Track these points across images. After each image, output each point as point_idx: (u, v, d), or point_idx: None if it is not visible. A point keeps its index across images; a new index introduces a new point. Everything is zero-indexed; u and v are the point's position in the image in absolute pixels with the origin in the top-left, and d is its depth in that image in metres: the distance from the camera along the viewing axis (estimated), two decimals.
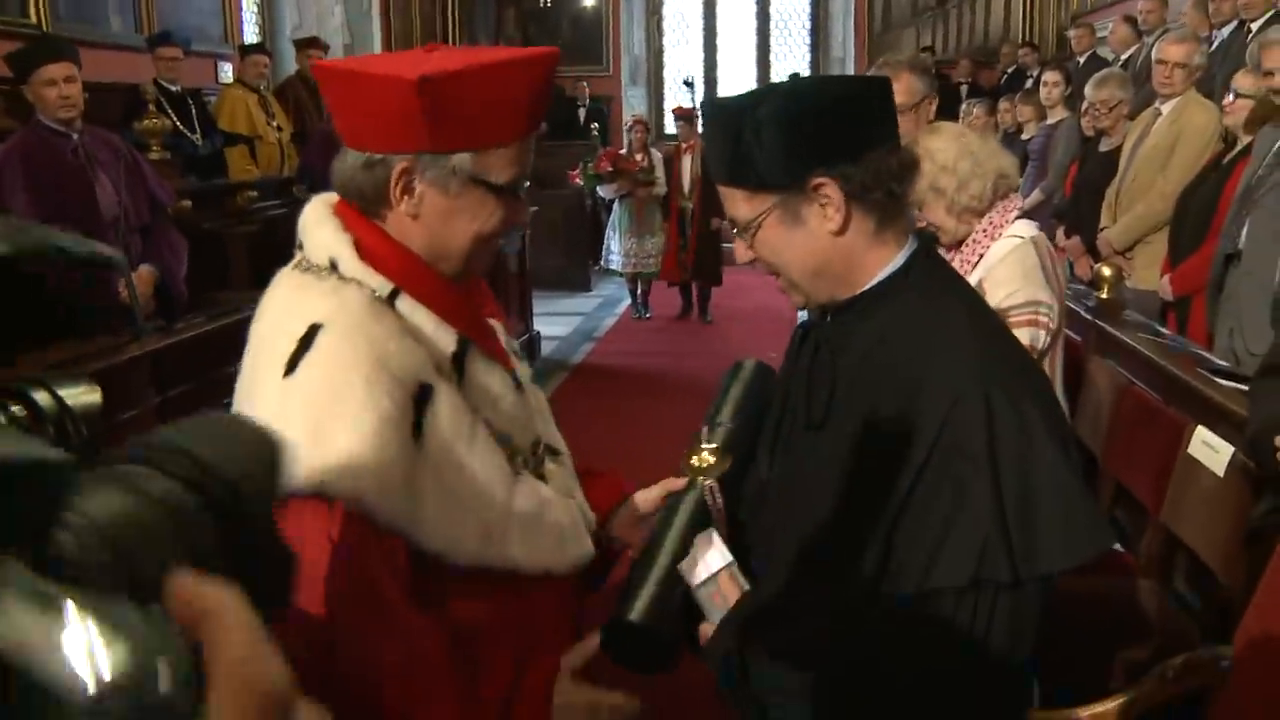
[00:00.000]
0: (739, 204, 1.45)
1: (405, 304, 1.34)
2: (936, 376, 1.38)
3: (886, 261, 1.47)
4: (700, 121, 1.57)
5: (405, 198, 1.35)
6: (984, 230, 2.63)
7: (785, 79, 1.58)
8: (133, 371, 3.05)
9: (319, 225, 1.39)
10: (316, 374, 1.26)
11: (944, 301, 1.48)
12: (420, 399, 1.30)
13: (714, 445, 1.64)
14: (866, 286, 1.48)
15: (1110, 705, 1.95)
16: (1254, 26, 5.55)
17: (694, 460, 1.64)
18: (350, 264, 1.34)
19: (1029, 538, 1.35)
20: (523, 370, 1.57)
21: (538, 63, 1.38)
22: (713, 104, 1.51)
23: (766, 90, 1.54)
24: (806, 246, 1.44)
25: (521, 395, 1.50)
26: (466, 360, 1.39)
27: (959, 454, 1.35)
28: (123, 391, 2.99)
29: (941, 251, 2.70)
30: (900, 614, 1.39)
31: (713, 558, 1.49)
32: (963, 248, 2.64)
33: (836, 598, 1.42)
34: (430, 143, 1.32)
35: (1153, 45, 5.50)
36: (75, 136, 4.12)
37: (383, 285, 1.33)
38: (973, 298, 1.59)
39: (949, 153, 2.60)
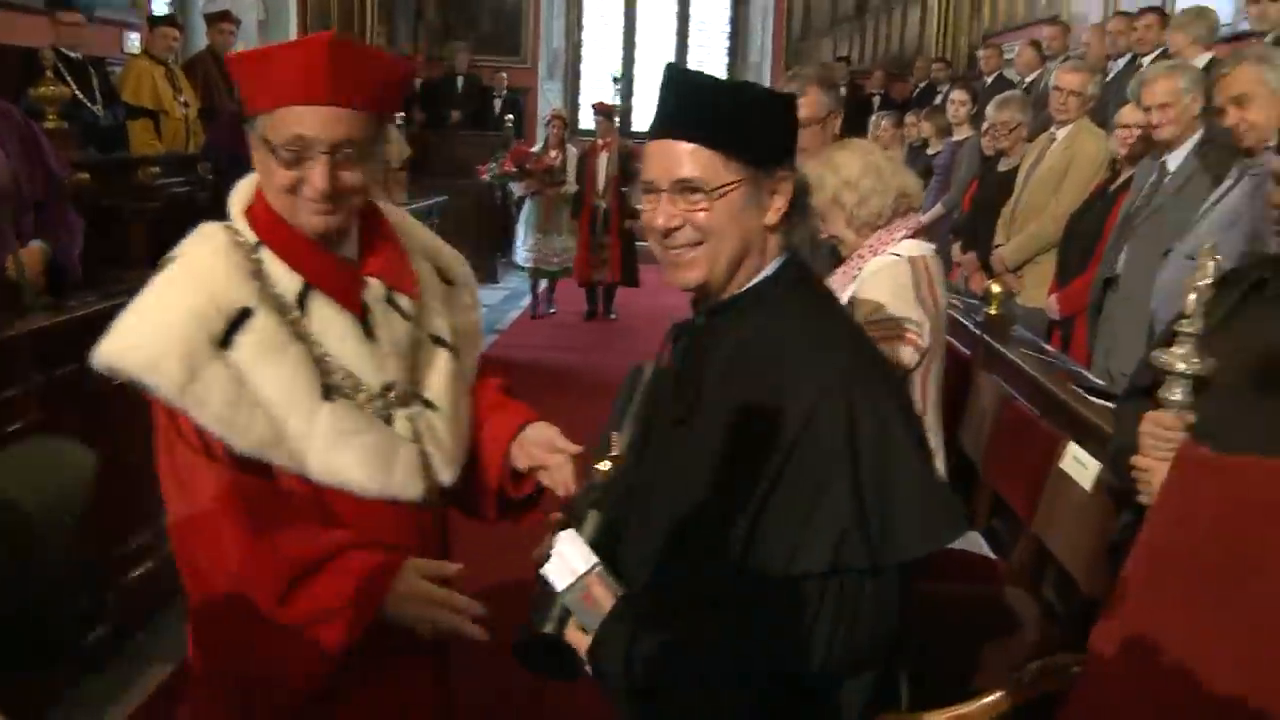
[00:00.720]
0: (710, 165, 1.49)
1: (265, 252, 1.66)
2: (801, 376, 1.46)
3: (766, 265, 1.56)
4: (668, 82, 1.57)
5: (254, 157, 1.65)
6: (869, 246, 2.67)
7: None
8: (15, 350, 2.96)
9: (240, 186, 1.73)
10: (149, 289, 1.64)
11: (810, 308, 1.57)
12: (236, 319, 1.60)
13: (617, 454, 1.65)
14: (744, 286, 1.56)
15: (966, 709, 2.03)
16: (1145, 61, 5.79)
17: (599, 465, 1.66)
18: (234, 217, 1.69)
19: (887, 527, 1.44)
20: (404, 327, 1.76)
21: (313, 42, 1.62)
22: (686, 69, 1.61)
23: (737, 79, 1.66)
24: (747, 227, 1.52)
25: (371, 341, 1.71)
26: (308, 300, 1.66)
27: (820, 449, 1.42)
28: (3, 370, 2.92)
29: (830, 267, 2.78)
30: (765, 600, 1.45)
31: (576, 561, 1.50)
32: (847, 262, 2.69)
33: (706, 589, 1.47)
34: (248, 107, 1.64)
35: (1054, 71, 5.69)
36: None
37: (250, 236, 1.67)
38: (835, 305, 1.68)
39: (853, 168, 2.65)
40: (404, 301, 1.77)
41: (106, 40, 7.65)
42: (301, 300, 1.66)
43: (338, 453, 1.65)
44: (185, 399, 1.55)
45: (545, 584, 1.52)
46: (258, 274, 1.64)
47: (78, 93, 6.19)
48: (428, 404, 1.79)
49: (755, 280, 1.56)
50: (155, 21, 7.64)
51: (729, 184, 1.50)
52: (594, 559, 1.51)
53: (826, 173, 2.64)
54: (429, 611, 1.63)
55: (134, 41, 8.16)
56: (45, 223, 4.10)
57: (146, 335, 1.58)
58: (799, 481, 1.43)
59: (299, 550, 1.59)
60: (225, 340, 1.58)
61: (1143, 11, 6.19)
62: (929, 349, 2.65)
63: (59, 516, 0.64)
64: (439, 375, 1.82)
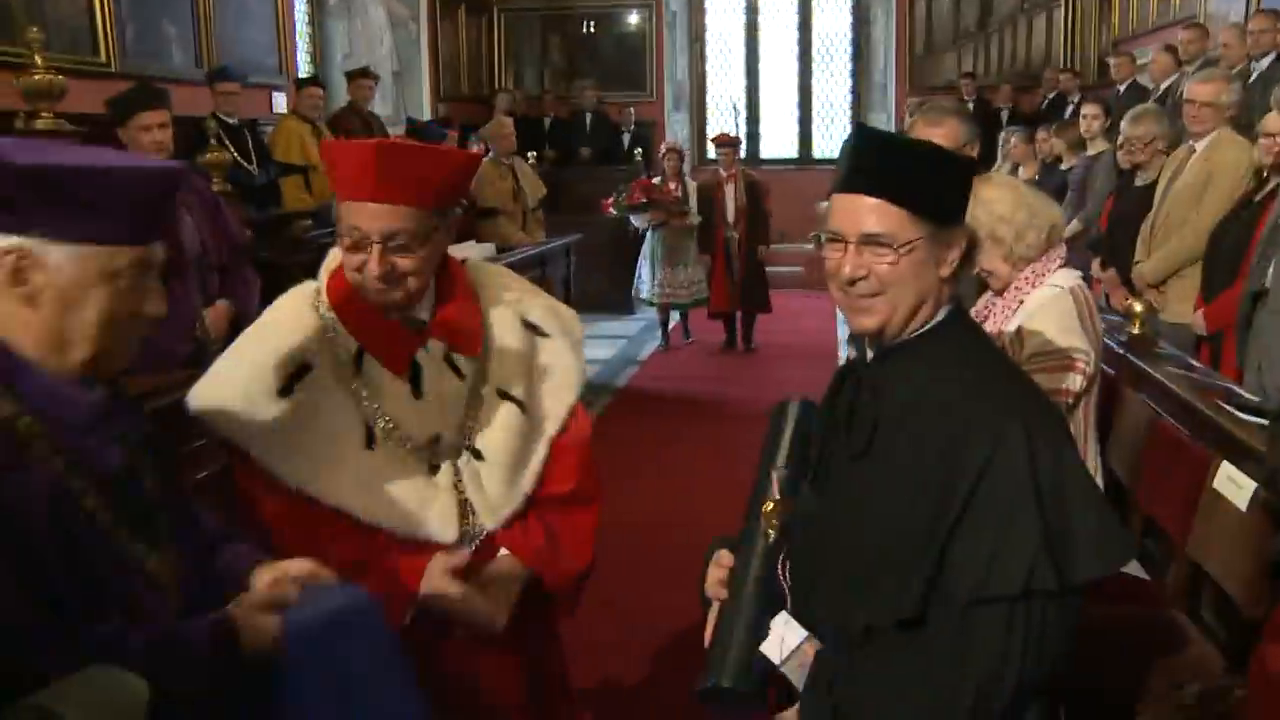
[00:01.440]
0: (898, 221, 1.58)
1: (331, 315, 1.94)
2: (979, 413, 1.55)
3: (937, 313, 1.65)
4: (856, 140, 1.67)
5: None
6: (1026, 278, 2.71)
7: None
8: None
9: (331, 253, 2.01)
10: (237, 340, 2.00)
11: (976, 350, 1.68)
12: (298, 371, 1.88)
13: (779, 493, 1.78)
14: (917, 331, 1.65)
15: None
16: None
17: (767, 507, 1.77)
18: (320, 281, 1.99)
19: (1069, 552, 1.52)
20: (457, 385, 2.00)
21: (365, 146, 1.86)
22: (873, 128, 1.75)
23: (924, 141, 1.82)
24: (925, 280, 1.61)
25: (419, 398, 1.96)
26: (363, 361, 1.94)
27: (1005, 482, 1.51)
28: (192, 423, 3.13)
29: (989, 296, 2.82)
30: (964, 626, 1.53)
31: (790, 636, 1.67)
32: (1005, 294, 2.73)
33: (894, 617, 1.56)
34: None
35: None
36: None
37: (326, 300, 1.96)
38: (994, 346, 1.78)
39: (1005, 203, 2.70)
40: (462, 361, 2.01)
41: (257, 103, 8.09)
42: (357, 360, 1.94)
43: (374, 495, 1.91)
44: (240, 436, 1.86)
45: (743, 648, 1.68)
46: (326, 333, 1.94)
47: (235, 156, 6.58)
48: (476, 454, 2.01)
49: (928, 326, 1.65)
50: (302, 84, 8.04)
51: (913, 240, 1.58)
52: (804, 631, 1.67)
53: (977, 209, 2.67)
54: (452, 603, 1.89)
55: (281, 102, 8.62)
56: (229, 283, 4.44)
57: (218, 383, 1.92)
58: (987, 512, 1.52)
59: (343, 553, 1.83)
60: (287, 389, 1.87)
61: None
62: (1093, 376, 2.67)
63: None
64: (496, 428, 2.03)
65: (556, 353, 2.13)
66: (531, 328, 2.10)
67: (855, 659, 1.62)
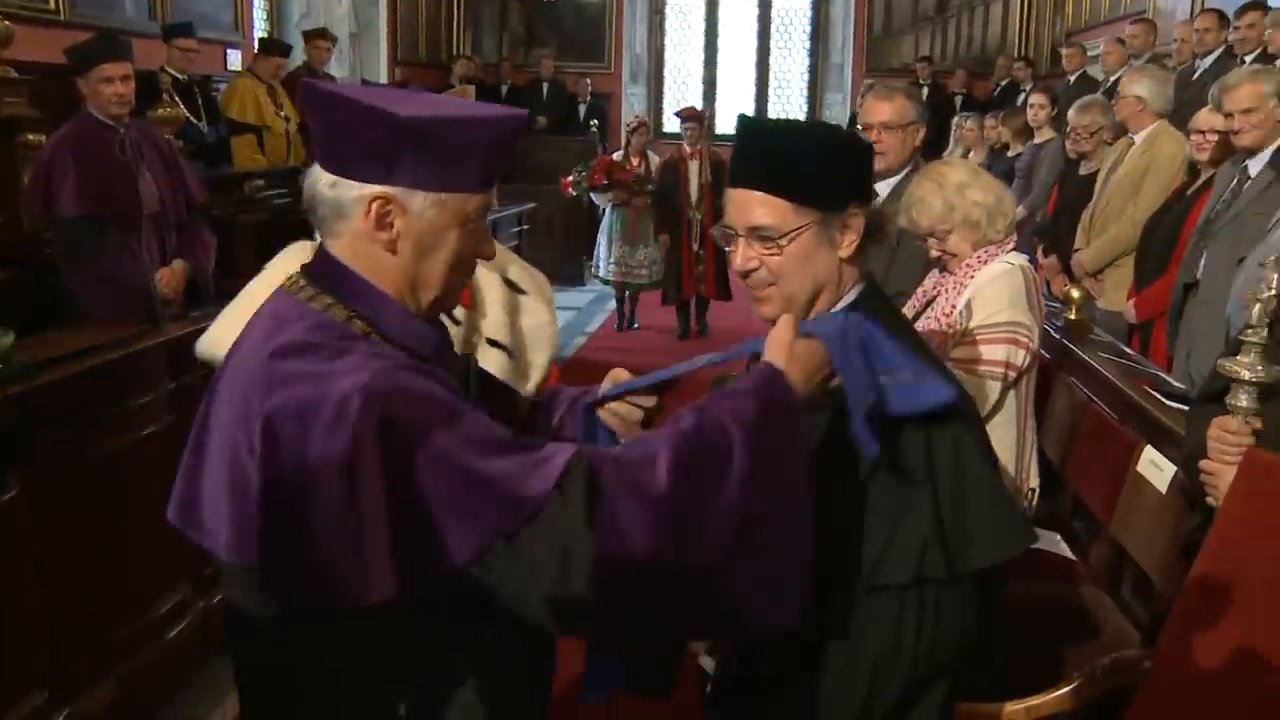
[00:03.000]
0: (780, 213, 1.61)
1: None
2: None
3: (845, 293, 1.70)
4: (741, 133, 1.68)
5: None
6: (979, 256, 2.75)
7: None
8: (150, 359, 3.19)
9: None
10: (240, 294, 2.13)
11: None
12: None
13: None
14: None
15: (1040, 700, 2.13)
16: (1246, 60, 5.69)
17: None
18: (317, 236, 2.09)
19: (961, 540, 1.58)
20: (453, 330, 2.01)
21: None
22: (758, 119, 1.72)
23: (809, 122, 1.80)
24: (820, 264, 1.64)
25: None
26: None
27: (900, 469, 1.56)
28: (139, 378, 3.15)
29: (937, 274, 2.87)
30: (851, 612, 1.59)
31: None
32: (957, 271, 2.77)
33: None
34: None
35: None
36: (122, 130, 4.25)
37: None
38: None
39: (978, 188, 2.73)
40: (457, 311, 2.09)
41: (211, 60, 7.98)
42: None
43: None
44: None
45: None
46: None
47: (184, 113, 6.50)
48: None
49: (836, 308, 1.68)
50: (267, 48, 7.88)
51: (798, 228, 1.61)
52: None
53: (952, 196, 2.72)
54: None
55: (235, 60, 8.50)
56: (185, 242, 4.41)
57: (225, 328, 2.02)
58: (884, 500, 1.58)
59: None
60: None
61: (1245, 9, 6.03)
62: (1035, 353, 2.73)
63: None
64: (488, 370, 2.08)
65: (534, 310, 2.23)
66: (510, 285, 2.18)
67: (772, 644, 1.68)
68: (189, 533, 1.42)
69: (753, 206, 1.62)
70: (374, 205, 1.38)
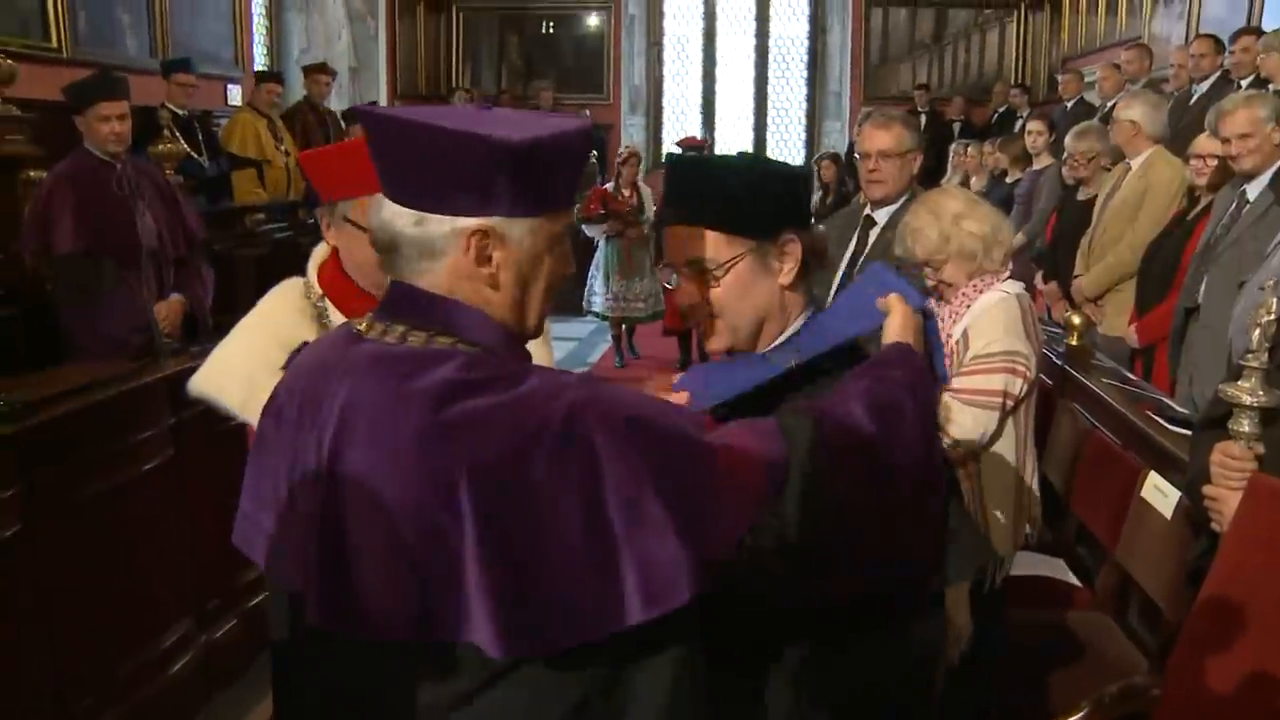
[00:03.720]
0: (712, 245, 1.62)
1: (328, 303, 2.11)
2: None
3: (791, 321, 1.69)
4: (669, 171, 1.69)
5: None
6: (975, 285, 2.75)
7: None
8: (151, 394, 3.20)
9: (316, 250, 2.20)
10: (232, 332, 2.14)
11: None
12: (299, 349, 1.81)
13: None
14: (776, 342, 1.68)
15: None
16: (1243, 84, 5.69)
17: None
18: (309, 274, 2.16)
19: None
20: None
21: None
22: (689, 155, 1.73)
23: (737, 155, 1.80)
24: (761, 293, 1.64)
25: None
26: None
27: None
28: (139, 413, 3.15)
29: (932, 303, 2.87)
30: (821, 636, 1.56)
31: None
32: (953, 300, 2.77)
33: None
34: (325, 195, 2.10)
35: None
36: (119, 167, 4.28)
37: (318, 289, 2.13)
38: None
39: (975, 219, 2.73)
40: None
41: (212, 95, 8.03)
42: None
43: None
44: (245, 412, 1.98)
45: None
46: (320, 318, 2.11)
47: (186, 148, 6.52)
48: None
49: (783, 337, 1.68)
50: (261, 79, 7.97)
51: (732, 259, 1.61)
52: None
53: (948, 227, 2.72)
54: None
55: (236, 94, 8.56)
56: (183, 277, 4.43)
57: (217, 367, 2.09)
58: None
59: None
60: (288, 366, 1.92)
61: (1240, 34, 6.06)
62: (1033, 382, 2.73)
63: None
64: None
65: (533, 342, 2.22)
66: None
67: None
68: (426, 637, 1.20)
69: (686, 241, 1.63)
70: (473, 240, 1.28)
